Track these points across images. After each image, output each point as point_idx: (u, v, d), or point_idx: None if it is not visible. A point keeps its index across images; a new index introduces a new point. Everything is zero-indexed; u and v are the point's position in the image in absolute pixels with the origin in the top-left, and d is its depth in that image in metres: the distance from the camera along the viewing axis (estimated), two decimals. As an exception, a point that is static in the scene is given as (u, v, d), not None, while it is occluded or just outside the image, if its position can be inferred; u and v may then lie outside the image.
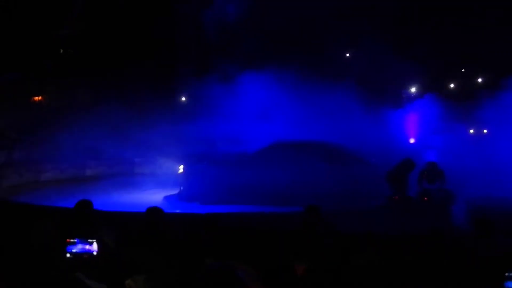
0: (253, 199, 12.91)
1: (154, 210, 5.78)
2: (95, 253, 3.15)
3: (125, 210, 9.58)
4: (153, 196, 13.85)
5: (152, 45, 23.08)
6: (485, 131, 15.74)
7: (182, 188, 13.81)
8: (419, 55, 16.81)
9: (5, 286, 3.61)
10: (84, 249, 3.14)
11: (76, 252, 3.12)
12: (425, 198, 11.46)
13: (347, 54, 21.14)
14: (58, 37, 22.38)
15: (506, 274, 3.78)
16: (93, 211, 5.70)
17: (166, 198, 14.07)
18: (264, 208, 12.26)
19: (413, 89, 15.31)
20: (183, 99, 22.76)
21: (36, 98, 24.56)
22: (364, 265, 4.65)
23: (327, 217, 6.78)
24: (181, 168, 13.87)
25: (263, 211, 11.91)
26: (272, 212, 11.72)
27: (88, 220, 5.42)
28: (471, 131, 15.53)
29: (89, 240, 3.15)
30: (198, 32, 22.14)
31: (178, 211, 10.43)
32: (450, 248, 5.89)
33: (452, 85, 20.54)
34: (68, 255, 3.11)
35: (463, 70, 22.15)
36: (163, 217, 5.75)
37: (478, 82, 21.87)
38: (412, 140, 15.17)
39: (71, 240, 3.14)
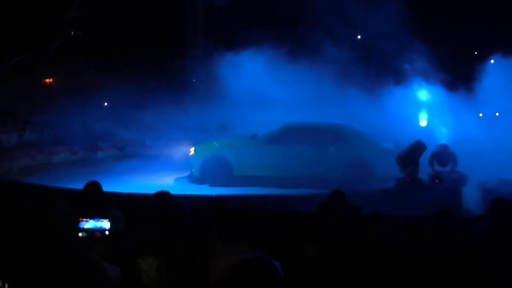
0: (264, 181, 12.93)
1: (161, 194, 5.83)
2: (107, 232, 3.16)
3: (136, 192, 9.63)
4: (164, 178, 13.91)
5: (160, 27, 23.02)
6: (497, 114, 15.57)
7: (192, 170, 13.84)
8: (430, 34, 16.58)
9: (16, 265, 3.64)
10: (96, 226, 3.16)
11: (88, 229, 3.15)
12: (436, 181, 11.39)
13: (358, 36, 20.93)
14: (66, 19, 22.40)
15: None
16: (102, 192, 5.73)
17: (177, 180, 14.14)
18: (275, 191, 12.27)
19: (423, 71, 15.10)
20: (194, 80, 22.73)
21: (47, 80, 24.66)
22: (371, 254, 4.62)
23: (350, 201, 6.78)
24: (192, 150, 13.87)
25: (274, 194, 11.91)
26: (283, 194, 11.72)
27: (97, 202, 5.45)
28: (480, 115, 15.35)
29: (102, 219, 3.17)
30: (205, 14, 22.03)
31: (188, 193, 10.44)
32: (459, 230, 5.85)
33: (463, 67, 20.32)
34: (80, 233, 3.14)
35: (475, 52, 21.92)
36: (171, 199, 5.79)
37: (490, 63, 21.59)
38: (423, 123, 15.04)
39: (84, 219, 3.16)
